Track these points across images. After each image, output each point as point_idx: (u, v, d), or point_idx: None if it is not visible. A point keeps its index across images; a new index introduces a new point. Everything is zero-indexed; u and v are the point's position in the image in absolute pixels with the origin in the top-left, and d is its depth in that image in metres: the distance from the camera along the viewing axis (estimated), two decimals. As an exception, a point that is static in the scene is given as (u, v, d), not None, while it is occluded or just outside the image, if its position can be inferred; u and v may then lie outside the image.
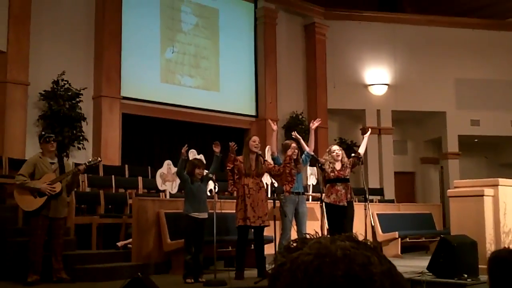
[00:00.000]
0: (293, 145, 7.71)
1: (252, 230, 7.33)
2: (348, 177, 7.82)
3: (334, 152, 7.83)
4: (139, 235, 7.93)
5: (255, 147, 7.34)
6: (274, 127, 8.10)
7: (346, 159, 7.87)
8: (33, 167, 6.67)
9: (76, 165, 8.53)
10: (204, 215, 7.14)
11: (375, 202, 13.00)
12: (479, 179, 8.31)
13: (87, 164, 7.02)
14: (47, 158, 6.80)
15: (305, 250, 0.90)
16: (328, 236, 0.95)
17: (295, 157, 7.64)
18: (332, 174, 7.70)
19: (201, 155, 9.53)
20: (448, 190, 8.29)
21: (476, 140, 16.75)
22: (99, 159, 7.41)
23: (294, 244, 0.94)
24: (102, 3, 11.59)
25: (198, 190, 7.17)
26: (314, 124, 8.09)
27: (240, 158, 7.32)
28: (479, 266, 6.72)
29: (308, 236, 0.97)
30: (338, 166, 7.75)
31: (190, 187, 7.13)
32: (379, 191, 14.55)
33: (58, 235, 6.73)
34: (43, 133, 7.22)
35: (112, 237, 8.78)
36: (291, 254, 0.91)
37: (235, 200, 7.40)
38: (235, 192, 7.40)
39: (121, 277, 7.17)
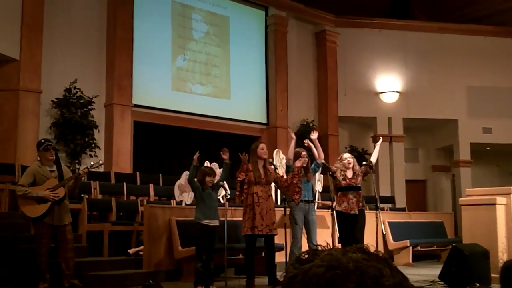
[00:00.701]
0: (303, 153, 7.70)
1: (262, 238, 7.33)
2: (359, 185, 7.79)
3: (345, 160, 7.80)
4: (150, 243, 7.95)
5: (264, 154, 7.36)
6: (293, 135, 8.16)
7: (357, 167, 7.84)
8: (33, 176, 6.54)
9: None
10: (215, 223, 7.13)
11: (386, 210, 12.95)
12: (491, 187, 8.26)
13: (89, 168, 6.95)
14: (46, 166, 6.66)
15: (316, 262, 0.89)
16: (340, 247, 0.95)
17: (305, 165, 7.65)
18: (343, 182, 7.67)
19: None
20: (460, 199, 8.25)
21: (488, 148, 16.66)
22: (101, 162, 7.31)
23: (306, 256, 0.94)
24: (114, 12, 11.67)
25: (209, 198, 7.16)
26: (314, 134, 8.10)
27: (248, 166, 7.32)
28: (492, 275, 6.67)
29: (319, 248, 0.97)
30: (349, 174, 7.72)
31: (201, 194, 7.13)
32: (390, 199, 14.49)
33: (66, 241, 6.64)
34: (42, 140, 6.91)
35: (123, 244, 8.81)
36: (302, 266, 0.91)
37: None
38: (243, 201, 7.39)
39: (132, 284, 7.22)
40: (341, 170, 7.72)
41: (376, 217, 7.56)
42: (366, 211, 7.91)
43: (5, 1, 10.08)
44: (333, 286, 0.84)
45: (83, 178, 7.17)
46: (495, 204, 7.31)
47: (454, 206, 15.35)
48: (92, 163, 7.08)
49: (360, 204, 7.64)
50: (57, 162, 6.79)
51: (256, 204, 7.14)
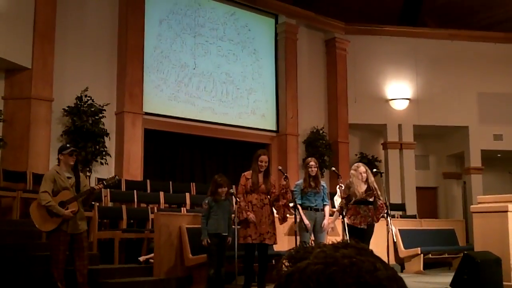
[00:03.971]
0: (311, 163, 7.76)
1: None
2: (371, 200, 7.52)
3: (363, 173, 7.59)
4: (161, 250, 7.96)
5: (261, 167, 7.34)
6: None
7: (372, 179, 7.65)
8: (53, 182, 6.45)
9: (99, 181, 8.59)
10: (225, 232, 7.15)
11: (397, 217, 12.90)
12: (502, 194, 8.22)
13: (105, 184, 6.88)
14: (64, 171, 6.55)
15: (312, 260, 0.91)
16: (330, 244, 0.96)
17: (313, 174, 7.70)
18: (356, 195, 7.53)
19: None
20: (471, 206, 8.20)
21: (499, 155, 16.57)
22: (117, 177, 7.15)
23: (297, 253, 0.95)
24: (125, 20, 11.75)
25: (220, 209, 7.16)
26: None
27: (246, 174, 7.39)
28: (504, 283, 6.63)
29: (308, 245, 0.99)
30: (362, 187, 7.54)
31: (211, 210, 7.14)
32: (401, 207, 14.42)
33: (82, 249, 6.59)
34: (67, 145, 6.95)
35: (134, 252, 8.82)
36: (298, 264, 0.92)
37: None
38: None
39: (143, 292, 7.22)
40: (357, 186, 7.52)
41: (387, 225, 7.52)
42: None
43: (17, 10, 10.18)
44: (333, 283, 0.86)
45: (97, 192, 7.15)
46: (507, 211, 7.26)
47: (466, 213, 15.25)
48: (107, 178, 7.02)
49: (370, 219, 7.45)
50: (75, 169, 6.72)
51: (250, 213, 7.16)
